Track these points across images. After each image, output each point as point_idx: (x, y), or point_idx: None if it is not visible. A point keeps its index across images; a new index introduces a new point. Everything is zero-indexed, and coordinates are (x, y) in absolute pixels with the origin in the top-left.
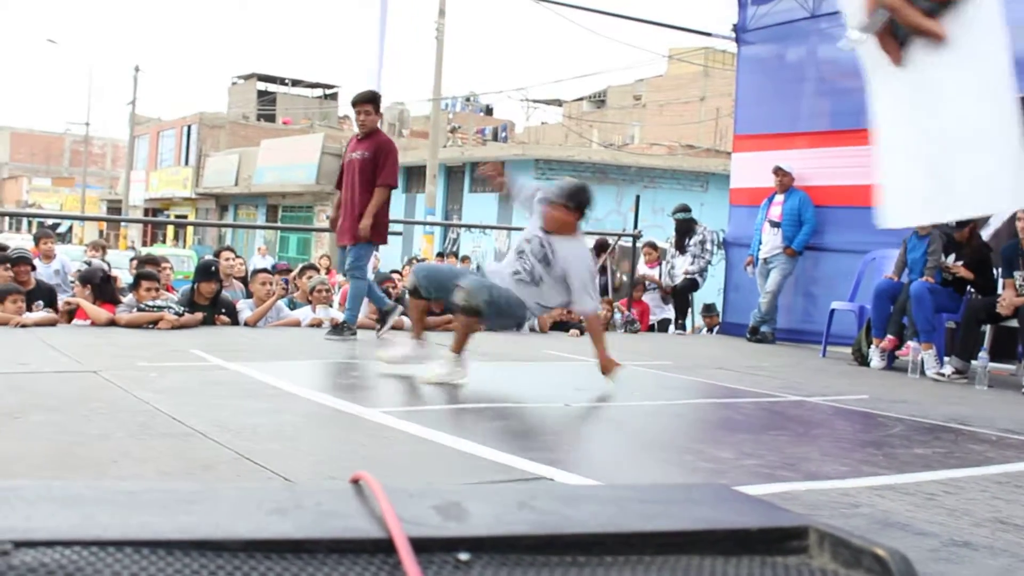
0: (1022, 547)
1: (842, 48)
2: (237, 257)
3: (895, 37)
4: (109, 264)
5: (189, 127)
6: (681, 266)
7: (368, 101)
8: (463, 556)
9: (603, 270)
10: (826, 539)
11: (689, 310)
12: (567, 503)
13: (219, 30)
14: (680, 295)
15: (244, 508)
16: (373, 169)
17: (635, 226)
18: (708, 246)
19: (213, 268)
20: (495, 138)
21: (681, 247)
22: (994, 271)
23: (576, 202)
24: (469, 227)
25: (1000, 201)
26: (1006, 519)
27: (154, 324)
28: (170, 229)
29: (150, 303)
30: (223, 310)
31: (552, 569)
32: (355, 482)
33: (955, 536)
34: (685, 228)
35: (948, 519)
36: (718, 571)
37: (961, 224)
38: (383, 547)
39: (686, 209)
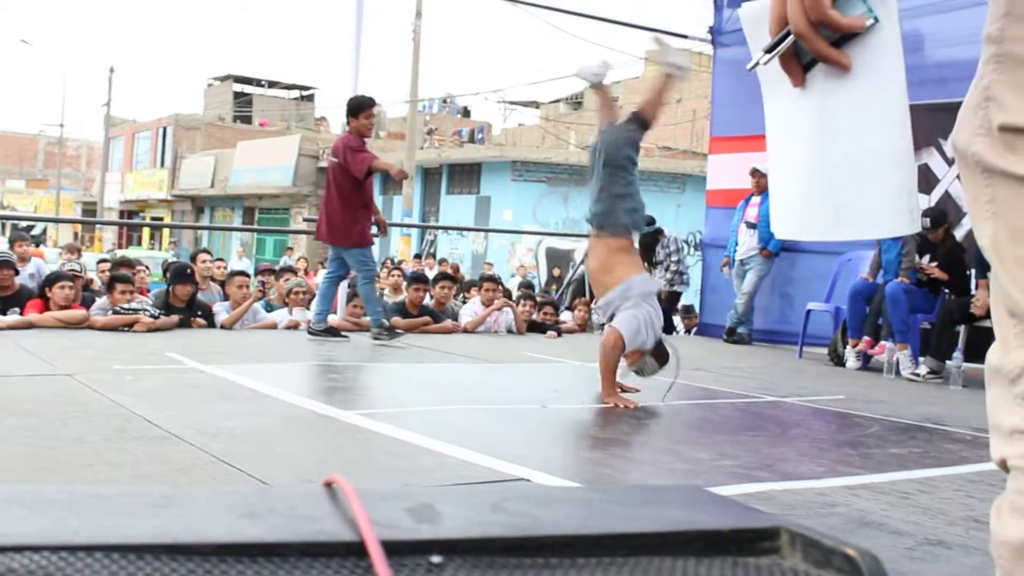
0: None
1: (748, 68)
2: (217, 260)
3: (798, 60)
4: (83, 267)
5: (165, 128)
6: (661, 278)
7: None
8: (435, 559)
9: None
10: (797, 539)
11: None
12: (540, 505)
13: (195, 31)
14: (664, 309)
15: (216, 511)
16: None
17: None
18: (677, 255)
19: (188, 271)
20: (472, 140)
21: (650, 261)
22: (968, 272)
23: None
24: (446, 229)
25: (888, 227)
26: (980, 517)
27: (129, 327)
28: (146, 231)
29: (125, 306)
30: (199, 312)
31: (525, 571)
32: (328, 485)
33: (929, 535)
34: (651, 241)
35: (923, 518)
36: (690, 572)
37: (935, 225)
38: (355, 550)
39: (650, 222)
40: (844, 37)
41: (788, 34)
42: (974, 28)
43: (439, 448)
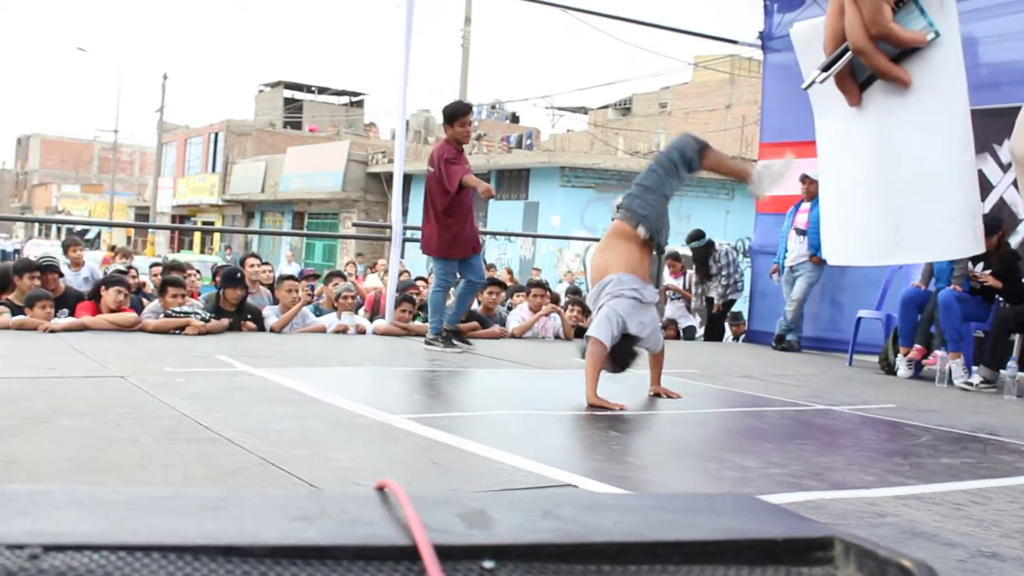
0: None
1: (803, 88)
2: (264, 264)
3: (854, 78)
4: (137, 270)
5: (216, 134)
6: (715, 290)
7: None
8: (487, 564)
9: None
10: (852, 550)
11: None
12: (591, 512)
13: (247, 38)
14: (718, 318)
15: (270, 514)
16: None
17: None
18: (730, 267)
19: (239, 274)
20: (520, 145)
21: (705, 275)
22: (1023, 280)
23: None
24: (495, 234)
25: (952, 248)
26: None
27: (181, 330)
28: (197, 236)
29: (176, 309)
30: (249, 316)
31: None
32: (380, 489)
33: (983, 547)
34: (703, 255)
35: (976, 530)
36: None
37: (990, 231)
38: (408, 554)
39: (699, 236)
40: (904, 52)
41: (846, 51)
42: None
43: (487, 453)
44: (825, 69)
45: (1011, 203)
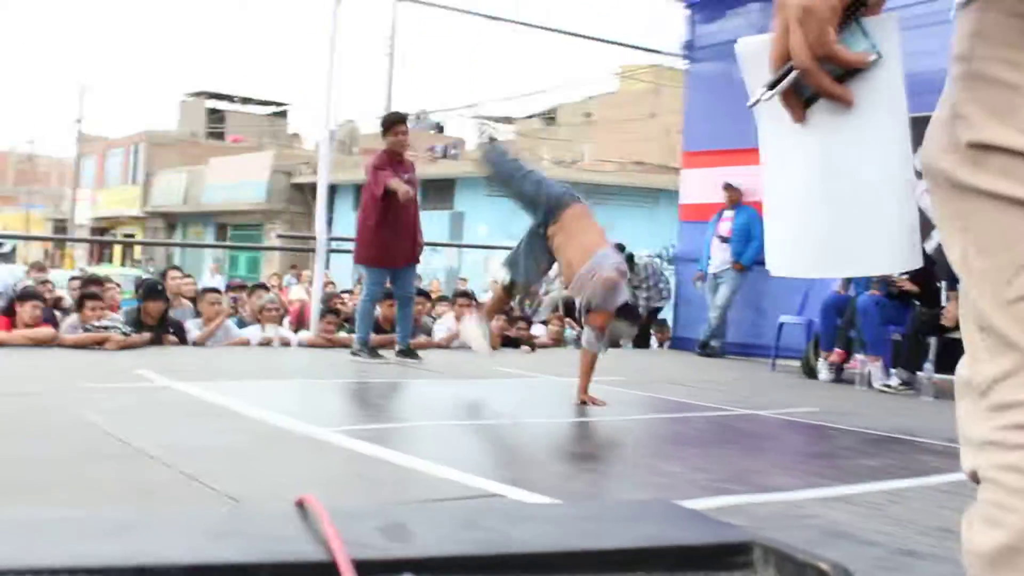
0: None
1: (748, 106)
2: (186, 276)
3: (799, 96)
4: (53, 284)
5: (137, 145)
6: (639, 302)
7: (406, 121)
8: None
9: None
10: (770, 554)
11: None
12: (513, 522)
13: (168, 48)
14: (643, 325)
15: (185, 532)
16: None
17: None
18: (654, 278)
19: (159, 287)
20: (445, 155)
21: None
22: (938, 284)
23: None
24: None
25: (887, 263)
26: (950, 527)
27: (100, 345)
28: (117, 249)
29: (96, 323)
30: (171, 329)
31: None
32: (299, 504)
33: (901, 545)
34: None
35: (895, 528)
36: None
37: None
38: (326, 570)
39: (619, 248)
40: (847, 73)
41: (791, 69)
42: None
43: (414, 464)
44: (771, 87)
45: (924, 209)
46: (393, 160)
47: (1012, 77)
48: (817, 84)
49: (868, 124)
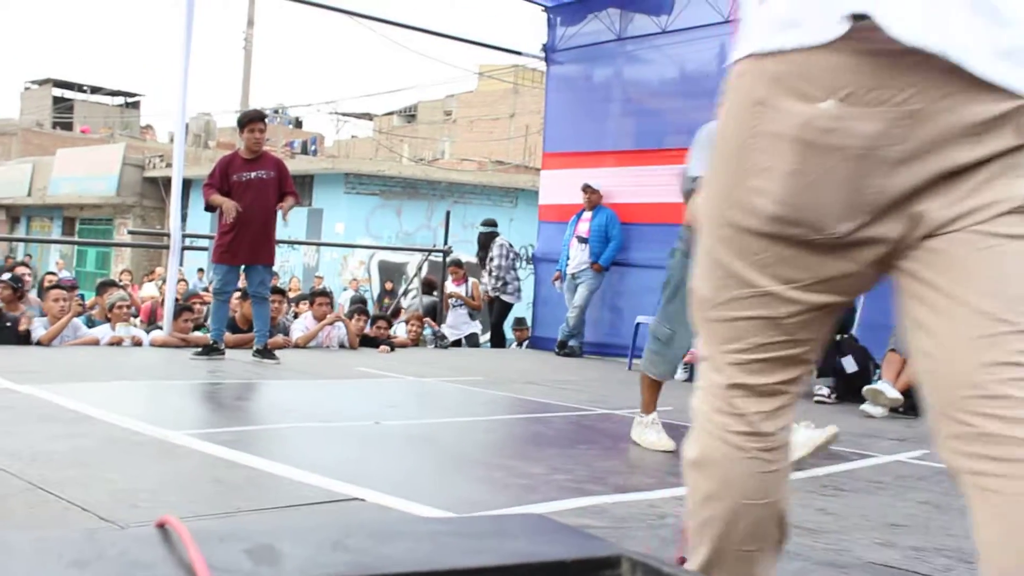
0: (814, 550)
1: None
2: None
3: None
4: None
5: None
6: (488, 282)
7: (263, 119)
8: None
9: (429, 287)
10: (638, 567)
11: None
12: (382, 541)
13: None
14: (497, 325)
15: (42, 561)
16: (279, 189)
17: (445, 241)
18: (506, 266)
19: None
20: (304, 151)
21: (483, 261)
22: None
23: None
24: (278, 242)
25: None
26: (799, 523)
27: None
28: None
29: None
30: (8, 324)
31: None
32: (161, 526)
33: None
34: (485, 241)
35: None
36: None
37: None
38: None
39: (491, 223)
40: None
41: None
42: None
43: (272, 469)
44: None
45: None
46: (243, 159)
47: None
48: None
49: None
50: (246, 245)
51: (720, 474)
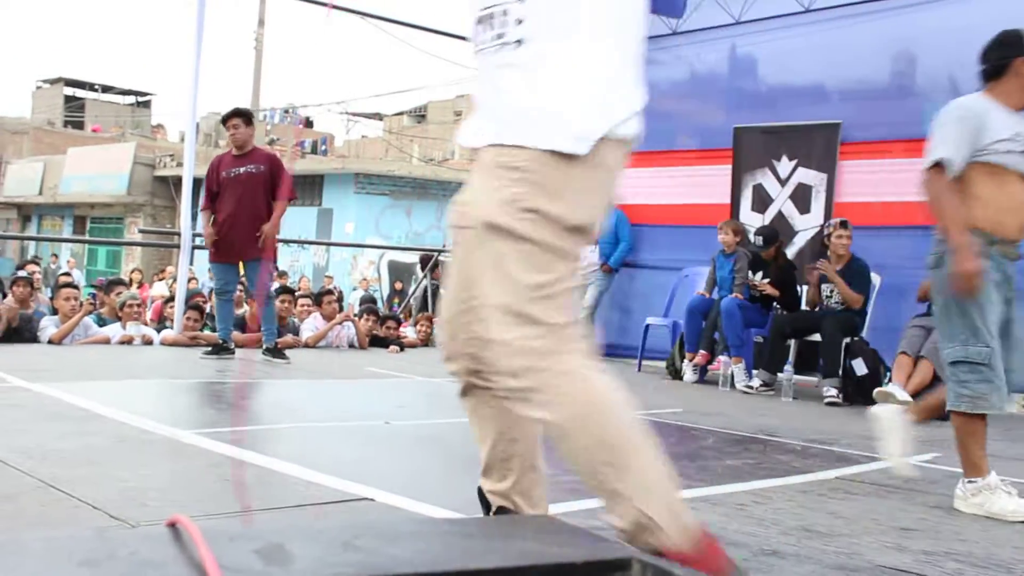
0: (825, 553)
1: None
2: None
3: None
4: None
5: None
6: None
7: (238, 115)
8: None
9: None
10: (648, 569)
11: None
12: (391, 541)
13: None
14: None
15: (54, 560)
16: (271, 184)
17: None
18: None
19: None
20: (314, 151)
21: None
22: (798, 288)
23: None
24: (287, 242)
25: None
26: (810, 527)
27: None
28: None
29: None
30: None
31: None
32: (172, 525)
33: (764, 545)
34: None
35: (758, 528)
36: None
37: (767, 243)
38: None
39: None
40: None
41: None
42: (807, 49)
43: (281, 468)
44: None
45: (788, 216)
46: (232, 156)
47: None
48: None
49: None
50: (237, 241)
51: None
